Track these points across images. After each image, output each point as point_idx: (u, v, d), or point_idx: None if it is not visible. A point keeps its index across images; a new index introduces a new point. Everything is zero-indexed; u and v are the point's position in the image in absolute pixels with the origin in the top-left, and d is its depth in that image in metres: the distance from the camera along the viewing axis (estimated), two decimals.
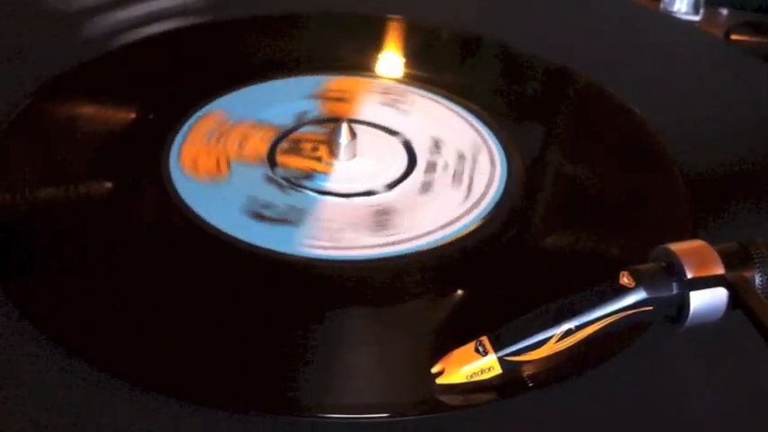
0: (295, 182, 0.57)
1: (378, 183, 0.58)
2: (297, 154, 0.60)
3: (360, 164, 0.59)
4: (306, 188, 0.57)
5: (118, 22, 0.72)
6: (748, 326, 0.42)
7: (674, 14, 0.89)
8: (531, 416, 0.44)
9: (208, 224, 0.53)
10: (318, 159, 0.59)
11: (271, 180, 0.57)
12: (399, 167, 0.60)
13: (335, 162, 0.59)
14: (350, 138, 0.59)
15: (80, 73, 0.65)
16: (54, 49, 0.68)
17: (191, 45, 0.72)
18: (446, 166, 0.60)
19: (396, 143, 0.62)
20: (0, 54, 0.67)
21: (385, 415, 0.43)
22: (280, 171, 0.58)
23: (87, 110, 0.63)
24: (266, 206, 0.55)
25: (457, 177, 0.59)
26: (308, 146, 0.60)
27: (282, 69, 0.68)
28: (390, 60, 0.74)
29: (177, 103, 0.63)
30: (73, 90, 0.65)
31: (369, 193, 0.57)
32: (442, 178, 0.59)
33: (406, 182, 0.58)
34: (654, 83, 0.72)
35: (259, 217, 0.54)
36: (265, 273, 0.51)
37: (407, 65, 0.73)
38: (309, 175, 0.58)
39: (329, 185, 0.57)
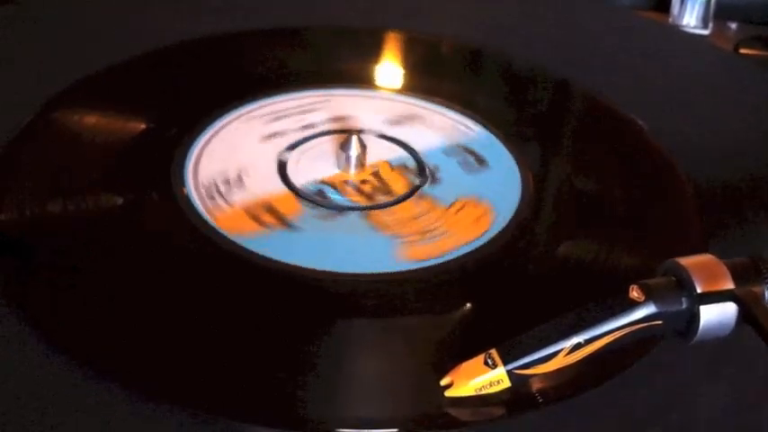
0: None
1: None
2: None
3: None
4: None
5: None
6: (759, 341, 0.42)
7: (683, 29, 0.90)
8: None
9: (221, 235, 0.53)
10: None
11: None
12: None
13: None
14: (359, 150, 0.59)
15: (91, 84, 0.66)
16: (65, 60, 0.69)
17: (203, 56, 0.72)
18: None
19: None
20: (12, 64, 0.68)
21: (394, 430, 0.43)
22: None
23: (100, 120, 0.63)
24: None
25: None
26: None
27: (294, 81, 0.69)
28: (396, 73, 0.74)
29: (192, 113, 0.64)
30: (84, 101, 0.65)
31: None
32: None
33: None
34: (664, 96, 0.72)
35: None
36: (275, 286, 0.51)
37: (413, 77, 0.73)
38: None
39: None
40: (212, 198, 0.56)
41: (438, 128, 0.66)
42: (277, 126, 0.64)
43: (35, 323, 0.46)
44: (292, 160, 0.61)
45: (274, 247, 0.52)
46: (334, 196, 0.58)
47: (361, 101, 0.68)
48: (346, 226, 0.55)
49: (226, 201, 0.56)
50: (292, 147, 0.62)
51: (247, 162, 0.60)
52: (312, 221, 0.56)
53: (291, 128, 0.64)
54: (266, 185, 0.59)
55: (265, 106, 0.66)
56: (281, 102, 0.67)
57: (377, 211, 0.57)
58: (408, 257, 0.53)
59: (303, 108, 0.66)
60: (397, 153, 0.62)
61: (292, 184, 0.59)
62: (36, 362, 0.44)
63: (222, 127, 0.63)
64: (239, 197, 0.57)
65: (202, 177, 0.58)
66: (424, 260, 0.52)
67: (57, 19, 0.77)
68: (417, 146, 0.63)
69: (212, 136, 0.62)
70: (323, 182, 0.59)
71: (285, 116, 0.65)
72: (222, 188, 0.57)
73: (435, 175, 0.60)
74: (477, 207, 0.57)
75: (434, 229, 0.55)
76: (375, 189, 0.59)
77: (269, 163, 0.61)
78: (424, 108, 0.68)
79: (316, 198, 0.58)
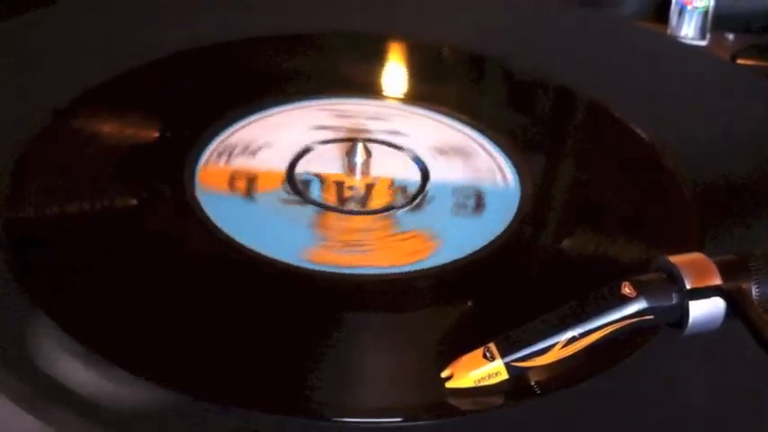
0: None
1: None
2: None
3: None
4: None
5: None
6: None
7: (681, 39, 0.91)
8: (539, 421, 0.45)
9: (230, 238, 0.55)
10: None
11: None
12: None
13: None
14: (365, 156, 0.61)
15: (107, 89, 0.68)
16: (81, 66, 0.71)
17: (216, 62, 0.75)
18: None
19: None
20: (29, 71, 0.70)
21: (398, 419, 0.45)
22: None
23: (115, 125, 0.65)
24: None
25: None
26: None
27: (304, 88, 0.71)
28: (398, 80, 0.76)
29: (202, 117, 0.66)
30: (100, 106, 0.67)
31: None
32: None
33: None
34: (662, 104, 0.74)
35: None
36: (283, 282, 0.53)
37: (415, 85, 0.75)
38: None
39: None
40: (219, 156, 0.60)
41: (475, 168, 0.64)
42: (335, 122, 0.67)
43: (56, 320, 0.48)
44: (316, 151, 0.63)
45: (214, 207, 0.56)
46: (313, 190, 0.60)
47: (423, 121, 0.69)
48: (292, 214, 0.58)
49: (227, 161, 0.60)
50: (327, 141, 0.64)
51: (278, 140, 0.63)
52: (272, 201, 0.58)
53: (345, 127, 0.66)
54: (271, 161, 0.62)
55: (337, 105, 0.69)
56: (351, 104, 0.69)
57: (331, 214, 0.58)
58: (311, 258, 0.54)
59: (368, 114, 0.69)
60: (411, 175, 0.63)
61: (292, 167, 0.61)
62: (56, 356, 0.46)
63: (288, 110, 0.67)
64: (240, 162, 0.60)
65: (231, 138, 0.62)
66: (319, 263, 0.54)
67: (90, 22, 0.79)
68: (436, 174, 0.63)
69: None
70: (318, 175, 0.61)
71: (349, 117, 0.68)
72: (237, 151, 0.61)
73: (421, 205, 0.60)
74: (425, 242, 0.57)
75: (363, 245, 0.56)
76: (355, 197, 0.60)
77: (294, 146, 0.63)
78: (479, 143, 0.67)
79: (296, 185, 0.60)
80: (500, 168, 0.64)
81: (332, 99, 0.69)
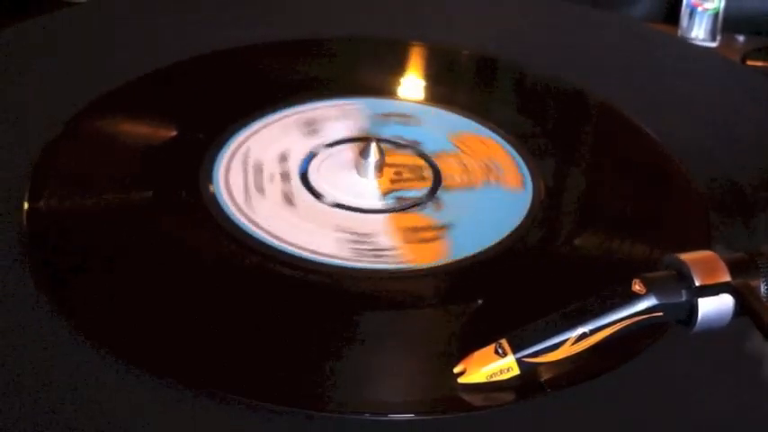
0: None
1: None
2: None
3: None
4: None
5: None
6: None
7: (691, 41, 0.92)
8: (550, 416, 0.46)
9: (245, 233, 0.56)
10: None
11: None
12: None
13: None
14: (378, 156, 0.62)
15: (126, 91, 0.70)
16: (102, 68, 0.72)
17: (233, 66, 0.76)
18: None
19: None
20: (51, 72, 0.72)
21: (410, 415, 0.46)
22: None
23: (134, 126, 0.67)
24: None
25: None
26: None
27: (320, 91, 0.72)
28: (413, 82, 0.77)
29: (220, 121, 0.67)
30: (120, 106, 0.68)
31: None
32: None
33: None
34: (673, 105, 0.75)
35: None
36: (297, 279, 0.54)
37: (429, 86, 0.76)
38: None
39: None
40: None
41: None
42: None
43: (73, 317, 0.49)
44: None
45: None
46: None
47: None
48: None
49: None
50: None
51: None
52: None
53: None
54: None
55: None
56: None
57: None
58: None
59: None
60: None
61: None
62: (72, 353, 0.47)
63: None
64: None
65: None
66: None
67: (113, 23, 0.81)
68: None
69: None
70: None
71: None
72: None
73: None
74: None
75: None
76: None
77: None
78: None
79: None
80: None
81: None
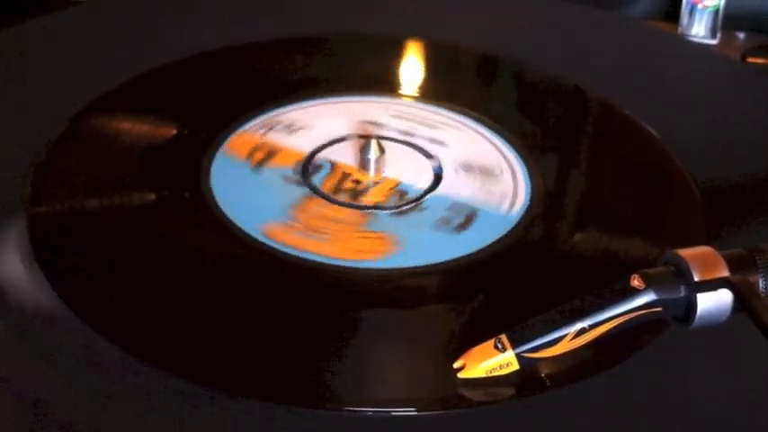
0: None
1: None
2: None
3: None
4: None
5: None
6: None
7: (691, 38, 0.92)
8: (550, 411, 0.46)
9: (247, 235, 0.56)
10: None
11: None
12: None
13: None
14: (378, 153, 0.62)
15: (127, 90, 0.70)
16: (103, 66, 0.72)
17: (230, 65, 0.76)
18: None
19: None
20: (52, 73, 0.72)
21: (412, 410, 0.46)
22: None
23: (134, 125, 0.67)
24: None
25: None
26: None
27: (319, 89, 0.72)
28: (413, 79, 0.77)
29: (221, 118, 0.67)
30: (121, 105, 0.69)
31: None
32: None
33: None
34: (673, 102, 0.74)
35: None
36: (299, 277, 0.54)
37: (433, 84, 0.76)
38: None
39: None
40: (262, 127, 0.64)
41: (488, 190, 0.62)
42: (389, 121, 0.69)
43: (83, 316, 0.49)
44: (348, 141, 0.65)
45: (221, 170, 0.61)
46: (318, 175, 0.61)
47: (469, 134, 0.69)
48: (282, 191, 0.60)
49: (265, 133, 0.64)
50: (365, 137, 0.65)
51: (323, 125, 0.66)
52: (274, 176, 0.61)
53: (397, 128, 0.68)
54: (301, 142, 0.64)
55: (396, 105, 0.71)
56: (422, 109, 0.71)
57: (318, 200, 0.60)
58: (267, 233, 0.56)
59: (424, 120, 0.70)
60: (420, 183, 0.63)
61: (314, 151, 0.63)
62: (83, 349, 0.47)
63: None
64: (273, 137, 0.64)
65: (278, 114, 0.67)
66: (271, 239, 0.55)
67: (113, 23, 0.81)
68: (444, 187, 0.62)
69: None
70: (333, 163, 0.63)
71: (408, 119, 0.69)
72: (277, 127, 0.65)
73: (407, 212, 0.60)
74: (383, 244, 0.56)
75: (323, 233, 0.57)
76: (352, 190, 0.61)
77: (332, 134, 0.66)
78: (512, 167, 0.65)
79: (306, 167, 0.62)
80: (514, 195, 0.62)
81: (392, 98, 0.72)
